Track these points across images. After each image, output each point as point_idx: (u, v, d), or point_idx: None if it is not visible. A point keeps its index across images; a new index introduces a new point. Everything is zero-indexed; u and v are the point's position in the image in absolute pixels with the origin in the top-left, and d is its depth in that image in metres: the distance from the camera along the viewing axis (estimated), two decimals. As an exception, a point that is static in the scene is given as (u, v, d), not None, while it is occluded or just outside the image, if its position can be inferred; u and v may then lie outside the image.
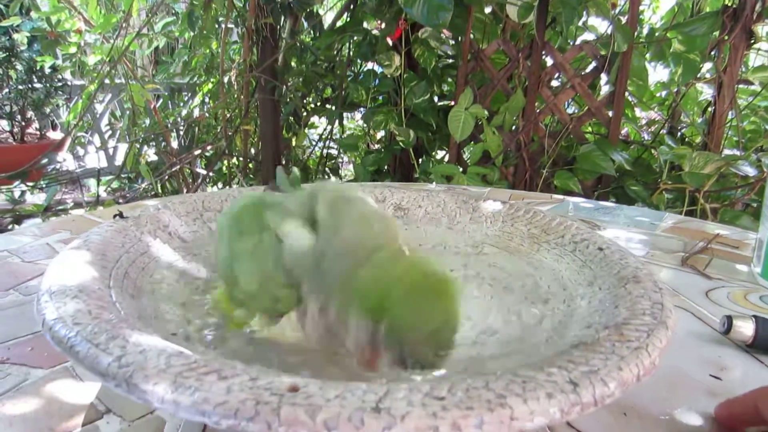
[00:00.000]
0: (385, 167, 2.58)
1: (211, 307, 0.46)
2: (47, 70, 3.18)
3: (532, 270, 0.53)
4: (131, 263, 0.46)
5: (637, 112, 2.61)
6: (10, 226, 2.54)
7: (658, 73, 2.53)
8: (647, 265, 0.76)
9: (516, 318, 0.46)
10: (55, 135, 3.34)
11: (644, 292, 0.39)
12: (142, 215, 0.53)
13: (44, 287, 0.37)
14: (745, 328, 0.55)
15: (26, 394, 0.44)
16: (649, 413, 0.44)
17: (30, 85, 3.03)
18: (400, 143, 2.31)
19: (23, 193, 2.78)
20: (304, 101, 2.91)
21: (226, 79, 2.92)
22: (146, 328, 0.34)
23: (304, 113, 2.94)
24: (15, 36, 3.25)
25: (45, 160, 2.78)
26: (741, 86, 2.08)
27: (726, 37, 1.89)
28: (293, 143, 3.04)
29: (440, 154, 2.77)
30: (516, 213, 0.60)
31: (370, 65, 2.65)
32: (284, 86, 2.68)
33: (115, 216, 0.52)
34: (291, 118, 2.92)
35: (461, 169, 2.14)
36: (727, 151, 2.30)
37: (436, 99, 2.55)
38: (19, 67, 3.03)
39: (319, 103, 2.97)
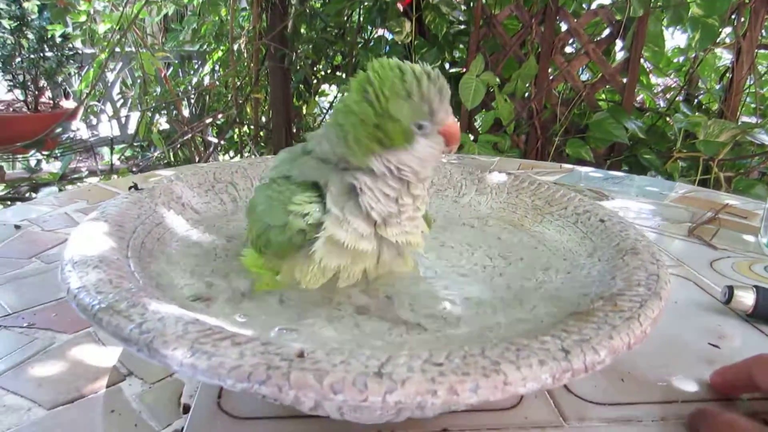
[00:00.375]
0: (396, 135, 2.57)
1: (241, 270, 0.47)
2: (58, 39, 3.18)
3: (535, 242, 0.54)
4: (147, 234, 0.48)
5: (653, 79, 2.58)
6: (27, 194, 2.58)
7: (675, 39, 2.49)
8: (650, 235, 0.77)
9: (518, 288, 0.47)
10: (68, 104, 3.35)
11: (641, 264, 0.40)
12: (156, 187, 0.55)
13: (67, 257, 0.39)
14: (746, 298, 0.56)
15: (53, 357, 0.46)
16: (646, 379, 0.46)
17: (42, 54, 3.03)
18: (411, 111, 2.29)
19: (39, 161, 2.82)
20: (314, 69, 2.90)
21: (235, 47, 2.91)
22: (164, 296, 0.36)
23: (315, 81, 2.93)
24: (25, 4, 3.25)
25: (59, 129, 2.80)
26: (761, 51, 2.04)
27: (746, 1, 1.85)
28: (304, 111, 3.04)
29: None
30: (521, 184, 0.61)
31: (380, 32, 2.63)
32: (294, 54, 2.67)
33: (130, 188, 0.54)
34: (301, 86, 2.91)
35: (472, 138, 2.14)
36: (744, 119, 2.27)
37: (447, 66, 2.53)
38: (30, 36, 3.03)
39: (329, 71, 2.96)
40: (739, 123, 2.00)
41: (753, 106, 2.19)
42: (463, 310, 0.44)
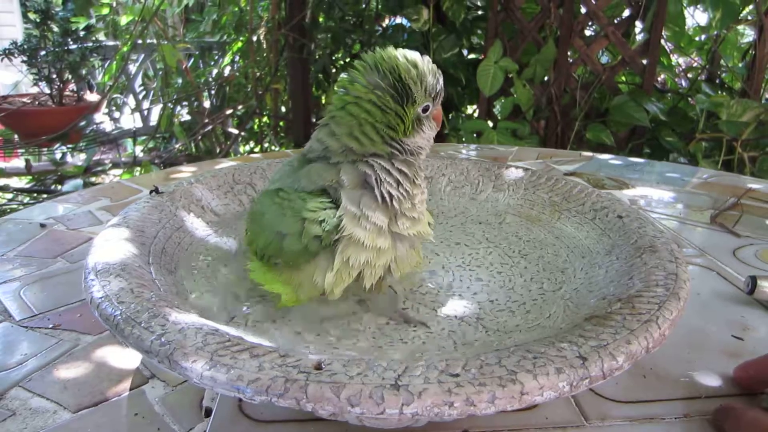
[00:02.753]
0: (415, 123, 2.57)
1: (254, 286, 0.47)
2: (81, 32, 3.21)
3: (553, 239, 0.54)
4: (168, 238, 0.49)
5: (675, 58, 2.53)
6: (53, 186, 2.62)
7: (697, 16, 2.44)
8: (672, 224, 0.76)
9: (537, 290, 0.47)
10: (92, 97, 3.39)
11: (659, 263, 0.40)
12: (176, 190, 0.55)
13: (90, 265, 0.39)
14: (770, 288, 0.55)
15: (77, 359, 0.47)
16: (668, 375, 0.45)
17: (66, 47, 3.07)
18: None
19: (64, 154, 2.86)
20: (333, 58, 2.90)
21: (255, 38, 2.92)
22: (183, 304, 0.37)
23: (333, 70, 2.93)
24: (50, -3, 3.29)
25: (83, 122, 2.84)
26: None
27: (768, -22, 1.81)
28: (323, 101, 3.04)
29: (470, 109, 2.74)
30: (538, 180, 0.61)
31: (398, 20, 2.62)
32: (312, 43, 2.67)
33: (151, 192, 0.54)
34: (320, 76, 2.91)
35: (491, 125, 2.12)
36: (769, 96, 2.22)
37: (465, 53, 2.51)
38: (55, 29, 3.07)
39: (348, 60, 2.96)
40: (763, 101, 1.96)
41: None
42: (482, 311, 0.44)
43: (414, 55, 0.43)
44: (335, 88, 0.45)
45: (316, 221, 0.42)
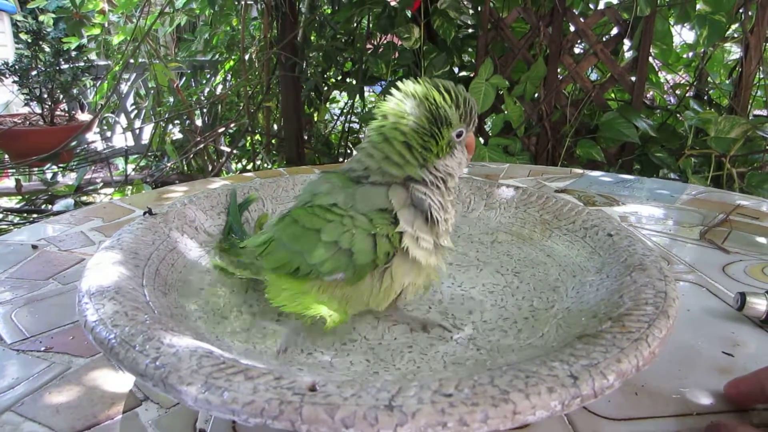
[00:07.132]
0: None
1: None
2: (73, 53, 3.22)
3: (544, 257, 0.55)
4: (161, 260, 0.49)
5: (663, 75, 2.56)
6: (43, 206, 2.61)
7: (684, 34, 2.48)
8: (662, 240, 0.77)
9: (529, 309, 0.47)
10: (84, 116, 3.39)
11: (649, 281, 0.40)
12: (169, 211, 0.55)
13: (83, 288, 0.39)
14: (759, 304, 0.56)
15: (69, 382, 0.47)
16: (660, 392, 0.45)
17: (57, 68, 3.07)
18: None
19: (55, 174, 2.85)
20: (325, 76, 2.92)
21: (247, 57, 2.93)
22: (178, 326, 0.37)
23: (325, 88, 2.94)
24: (41, 18, 3.30)
25: (75, 143, 2.84)
26: (769, 46, 2.03)
27: (753, -3, 1.85)
28: (315, 118, 3.06)
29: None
30: (529, 199, 0.61)
31: (389, 38, 2.64)
32: (304, 62, 2.69)
33: (144, 213, 0.54)
34: (312, 94, 2.93)
35: (483, 141, 2.14)
36: (757, 112, 2.25)
37: (456, 70, 2.53)
38: (47, 49, 3.08)
39: (339, 78, 2.98)
40: (750, 118, 1.99)
41: (764, 100, 2.18)
42: (474, 331, 0.44)
43: (448, 83, 0.45)
44: (374, 113, 0.47)
45: (385, 236, 0.43)
